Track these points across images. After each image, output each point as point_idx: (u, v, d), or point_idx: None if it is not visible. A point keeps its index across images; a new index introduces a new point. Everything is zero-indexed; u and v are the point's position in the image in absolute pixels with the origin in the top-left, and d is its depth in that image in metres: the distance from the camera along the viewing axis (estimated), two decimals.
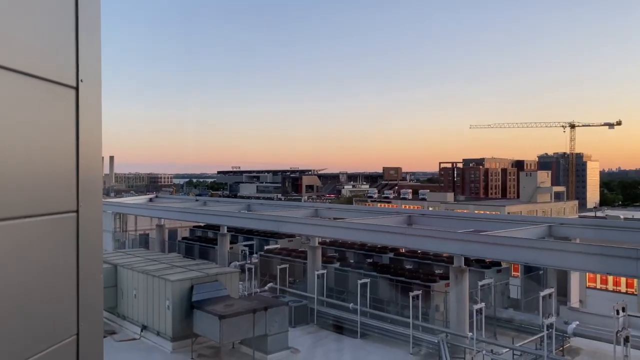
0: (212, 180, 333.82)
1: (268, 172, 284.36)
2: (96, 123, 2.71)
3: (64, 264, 2.48)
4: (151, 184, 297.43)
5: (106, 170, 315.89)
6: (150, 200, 53.39)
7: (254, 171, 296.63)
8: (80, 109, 2.57)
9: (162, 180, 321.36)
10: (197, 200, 54.82)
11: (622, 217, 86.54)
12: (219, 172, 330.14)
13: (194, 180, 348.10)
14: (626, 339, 17.15)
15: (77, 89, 2.56)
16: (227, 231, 36.71)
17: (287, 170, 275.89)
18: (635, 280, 36.44)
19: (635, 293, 37.67)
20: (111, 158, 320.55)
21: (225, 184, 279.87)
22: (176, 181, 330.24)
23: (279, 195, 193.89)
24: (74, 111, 2.55)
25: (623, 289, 39.36)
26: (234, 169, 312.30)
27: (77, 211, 2.55)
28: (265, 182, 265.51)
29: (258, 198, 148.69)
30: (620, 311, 19.51)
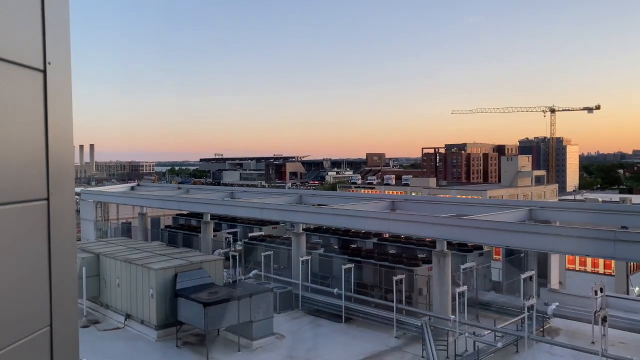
0: (194, 168, 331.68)
1: (251, 159, 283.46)
2: (66, 107, 2.60)
3: (35, 254, 2.40)
4: (133, 172, 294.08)
5: (87, 159, 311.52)
6: (132, 188, 52.75)
7: (237, 158, 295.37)
8: (48, 93, 2.46)
9: (144, 168, 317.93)
10: (179, 188, 54.35)
11: (600, 200, 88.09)
12: (201, 160, 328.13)
13: (176, 168, 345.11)
14: (604, 319, 17.53)
15: (44, 71, 2.45)
16: (211, 219, 36.51)
17: (271, 157, 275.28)
18: (613, 262, 37.24)
19: (613, 274, 38.52)
20: (91, 146, 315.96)
21: (208, 172, 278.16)
22: (158, 169, 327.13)
23: (263, 183, 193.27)
24: (41, 95, 2.44)
25: (601, 270, 40.23)
26: (217, 157, 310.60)
27: (47, 199, 2.46)
28: (249, 170, 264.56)
29: (241, 185, 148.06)
30: (599, 292, 19.96)
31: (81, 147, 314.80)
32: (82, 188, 64.62)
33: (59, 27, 2.55)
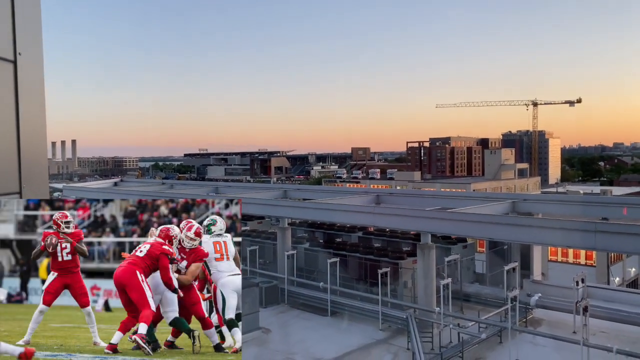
0: (178, 163, 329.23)
1: (236, 154, 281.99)
2: (38, 99, 2.54)
3: None
4: (116, 168, 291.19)
5: (69, 155, 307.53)
6: (115, 184, 52.22)
7: (221, 153, 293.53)
8: (19, 84, 2.40)
9: (127, 163, 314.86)
10: (163, 183, 53.92)
11: (581, 192, 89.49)
12: (185, 155, 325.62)
13: (160, 163, 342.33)
14: (585, 309, 17.81)
15: (14, 62, 2.39)
16: None
17: (256, 152, 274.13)
18: (594, 253, 37.87)
19: (594, 264, 39.19)
20: (73, 142, 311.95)
21: (192, 167, 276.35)
22: (142, 164, 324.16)
23: (248, 177, 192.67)
24: (12, 86, 2.38)
25: (582, 261, 40.90)
26: (201, 152, 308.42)
27: (19, 193, 2.40)
28: (234, 165, 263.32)
29: (226, 180, 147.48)
30: (580, 282, 20.25)
31: (63, 142, 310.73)
32: (64, 184, 63.80)
33: (29, 18, 2.48)
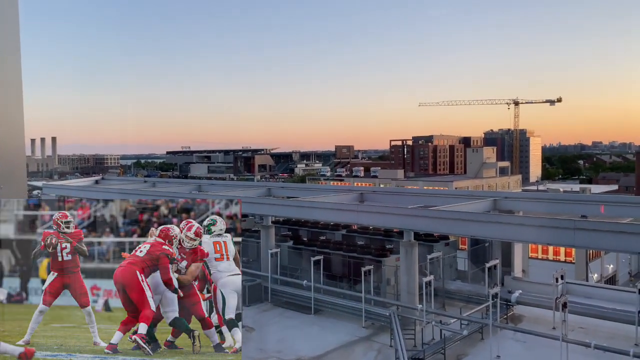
0: (161, 160, 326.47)
1: (219, 151, 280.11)
2: (16, 99, 2.50)
3: None
4: (97, 166, 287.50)
5: (49, 152, 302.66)
6: (96, 182, 51.53)
7: (204, 151, 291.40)
8: None
9: (109, 161, 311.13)
10: (145, 181, 53.42)
11: (561, 190, 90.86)
12: (168, 153, 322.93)
13: (142, 161, 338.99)
14: (564, 305, 18.10)
15: None
16: None
17: (239, 150, 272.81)
18: (573, 250, 38.53)
19: (573, 261, 39.89)
20: (53, 139, 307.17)
21: (175, 165, 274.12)
22: (123, 162, 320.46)
23: (231, 175, 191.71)
24: None
25: (562, 257, 41.58)
26: (184, 149, 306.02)
27: None
28: (217, 162, 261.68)
29: (209, 178, 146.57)
30: (559, 279, 20.58)
31: (42, 139, 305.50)
32: (44, 182, 62.80)
33: (7, 18, 2.44)
